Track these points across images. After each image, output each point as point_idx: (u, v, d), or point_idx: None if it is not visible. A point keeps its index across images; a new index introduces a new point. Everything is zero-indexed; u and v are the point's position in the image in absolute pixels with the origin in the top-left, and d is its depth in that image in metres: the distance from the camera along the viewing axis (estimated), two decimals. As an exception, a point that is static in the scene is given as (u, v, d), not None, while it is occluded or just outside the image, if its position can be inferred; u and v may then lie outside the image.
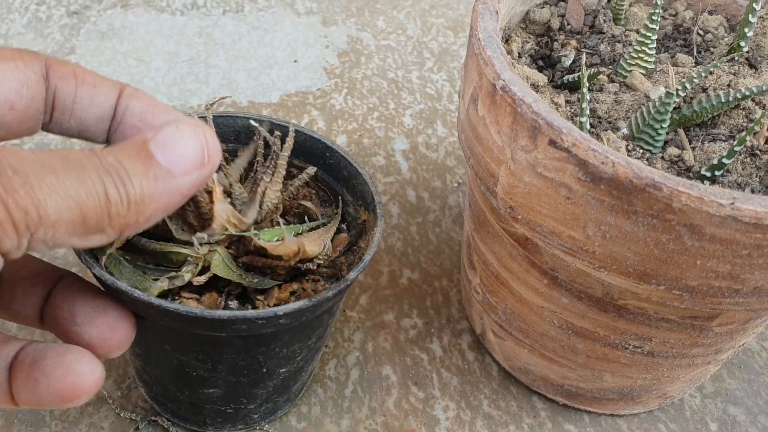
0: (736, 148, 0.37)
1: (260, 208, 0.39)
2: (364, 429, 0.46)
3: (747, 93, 0.40)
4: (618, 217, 0.35)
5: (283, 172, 0.39)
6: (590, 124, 0.42)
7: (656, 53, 0.48)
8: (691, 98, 0.43)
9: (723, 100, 0.40)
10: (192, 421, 0.43)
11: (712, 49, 0.48)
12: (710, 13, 0.50)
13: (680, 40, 0.49)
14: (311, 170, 0.42)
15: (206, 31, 0.75)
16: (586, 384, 0.47)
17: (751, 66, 0.46)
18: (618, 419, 0.49)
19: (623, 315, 0.40)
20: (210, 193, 0.36)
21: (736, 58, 0.46)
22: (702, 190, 0.32)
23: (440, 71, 0.74)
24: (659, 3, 0.42)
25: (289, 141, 0.40)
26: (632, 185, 0.33)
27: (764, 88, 0.40)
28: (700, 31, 0.49)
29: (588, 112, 0.39)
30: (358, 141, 0.65)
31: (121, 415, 0.45)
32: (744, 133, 0.37)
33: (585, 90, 0.38)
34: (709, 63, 0.46)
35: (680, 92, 0.40)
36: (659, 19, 0.43)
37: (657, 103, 0.39)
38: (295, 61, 0.73)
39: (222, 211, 0.36)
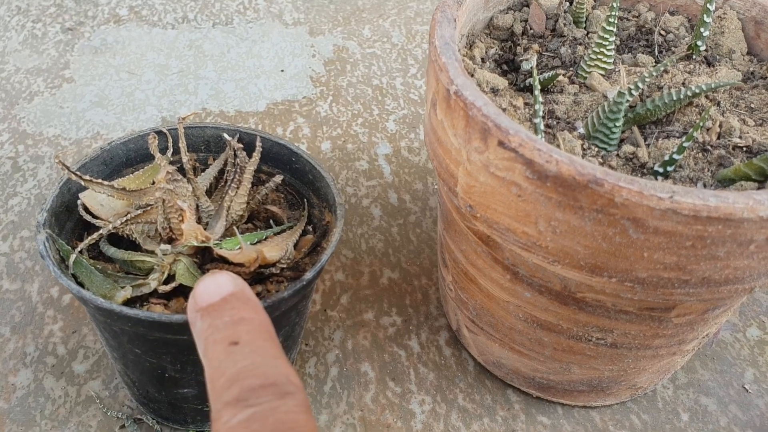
0: (684, 144, 0.38)
1: (226, 220, 0.41)
2: (341, 423, 0.47)
3: (697, 90, 0.41)
4: (566, 213, 0.36)
5: (249, 186, 0.42)
6: (548, 125, 0.43)
7: (620, 54, 0.49)
8: (648, 96, 0.45)
9: (675, 98, 0.42)
10: (173, 419, 0.45)
11: (673, 48, 0.49)
12: (672, 13, 0.51)
13: (643, 40, 0.50)
14: (278, 178, 0.44)
15: (196, 43, 0.77)
16: (556, 376, 0.48)
17: (709, 64, 0.47)
18: (591, 411, 0.50)
19: (583, 308, 0.42)
20: (181, 213, 0.38)
21: (694, 57, 0.47)
22: (642, 185, 0.34)
23: (424, 77, 0.76)
24: (615, 6, 0.44)
25: (255, 156, 0.42)
26: (576, 182, 0.34)
27: (713, 85, 0.41)
28: (662, 32, 0.50)
29: (541, 113, 0.40)
30: (342, 146, 0.67)
31: (109, 414, 0.47)
32: (692, 130, 0.38)
33: (537, 93, 0.40)
34: (670, 59, 0.47)
35: (633, 92, 0.42)
36: (617, 22, 0.44)
37: (610, 103, 0.41)
38: (282, 70, 0.75)
39: (190, 229, 0.38)
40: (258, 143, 0.42)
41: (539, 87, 0.40)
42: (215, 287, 0.28)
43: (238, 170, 0.41)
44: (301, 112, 0.70)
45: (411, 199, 0.63)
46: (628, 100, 0.42)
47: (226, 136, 0.43)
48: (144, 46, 0.76)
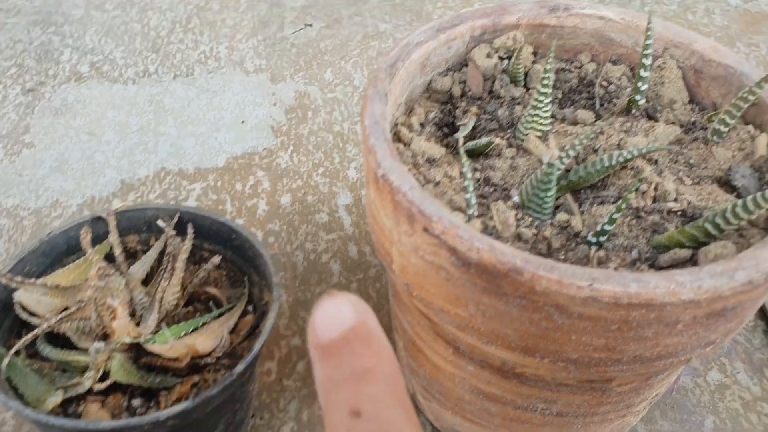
0: (615, 216, 0.38)
1: (159, 312, 0.41)
2: (297, 499, 0.47)
3: (629, 156, 0.41)
4: (492, 298, 0.36)
5: (182, 273, 0.41)
6: (482, 195, 0.43)
7: (561, 108, 0.49)
8: (584, 159, 0.44)
9: (606, 164, 0.41)
10: None
11: (615, 100, 0.49)
12: (614, 62, 0.50)
13: (585, 93, 0.50)
14: (215, 259, 0.44)
15: (157, 98, 0.77)
16: (510, 441, 0.48)
17: (649, 117, 0.47)
18: (551, 470, 0.50)
19: (524, 382, 0.41)
20: (113, 310, 0.38)
21: (633, 112, 0.47)
22: (561, 272, 0.33)
23: (387, 119, 0.76)
24: (549, 68, 0.43)
25: (187, 243, 0.42)
26: (497, 270, 0.34)
27: (644, 150, 0.41)
28: (604, 83, 0.50)
29: (471, 188, 0.40)
30: (302, 199, 0.67)
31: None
32: (621, 202, 0.38)
33: (465, 169, 0.39)
34: (607, 118, 0.47)
35: (564, 159, 0.41)
36: (558, 74, 0.44)
37: (541, 173, 0.40)
38: (243, 121, 0.74)
39: (121, 326, 0.38)
40: (190, 231, 0.42)
41: (467, 163, 0.39)
42: (334, 318, 0.25)
43: (171, 258, 0.41)
44: (261, 165, 0.70)
45: (371, 251, 0.63)
46: (559, 169, 0.42)
47: (160, 222, 0.43)
48: (105, 104, 0.76)
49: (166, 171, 0.69)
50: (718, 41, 0.92)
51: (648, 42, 0.44)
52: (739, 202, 0.37)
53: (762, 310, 0.61)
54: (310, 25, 0.88)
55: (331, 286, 0.60)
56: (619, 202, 0.38)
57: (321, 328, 0.25)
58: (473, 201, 0.40)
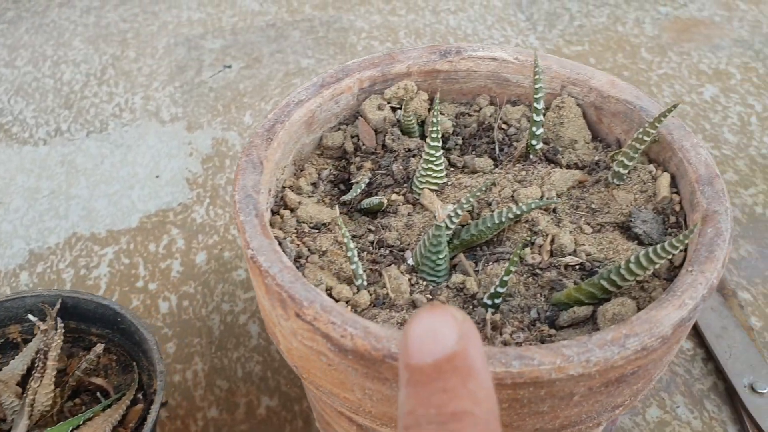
0: (505, 278, 0.36)
1: (29, 418, 0.38)
2: None
3: (518, 212, 0.39)
4: (375, 383, 0.33)
5: (53, 372, 0.38)
6: (375, 260, 0.40)
7: (462, 155, 0.47)
8: (478, 214, 0.42)
9: (497, 221, 0.39)
10: None
11: (515, 143, 0.46)
12: (513, 104, 0.48)
13: (485, 137, 0.47)
14: (98, 349, 0.41)
15: (69, 158, 0.74)
16: None
17: (549, 161, 0.45)
18: None
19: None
20: None
21: (531, 157, 0.45)
22: (439, 356, 0.31)
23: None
24: (436, 121, 0.41)
25: (57, 340, 0.39)
26: (372, 357, 0.32)
27: (533, 205, 0.39)
28: (504, 125, 0.48)
29: (356, 258, 0.37)
30: (219, 256, 0.64)
31: None
32: (508, 264, 0.35)
33: (347, 240, 0.37)
34: (505, 164, 0.45)
35: (454, 219, 0.39)
36: (440, 132, 0.41)
37: (430, 236, 0.38)
38: (157, 176, 0.71)
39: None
40: (59, 326, 0.39)
41: (347, 233, 0.37)
42: (431, 339, 0.21)
43: (42, 356, 0.38)
44: (175, 222, 0.67)
45: (292, 307, 0.60)
46: (449, 229, 0.39)
47: (31, 316, 0.40)
48: (14, 169, 0.73)
49: (77, 236, 0.66)
50: (649, 52, 0.91)
51: (537, 86, 0.42)
52: (633, 258, 0.35)
53: (700, 337, 0.60)
54: (229, 67, 0.85)
55: (250, 350, 0.57)
56: (507, 264, 0.35)
57: (415, 347, 0.22)
58: (360, 271, 0.38)
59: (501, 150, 0.46)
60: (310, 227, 0.41)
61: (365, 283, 0.38)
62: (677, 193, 0.41)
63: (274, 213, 0.42)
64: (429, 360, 0.21)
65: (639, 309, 0.36)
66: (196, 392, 0.55)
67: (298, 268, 0.38)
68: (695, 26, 0.95)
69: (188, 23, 0.94)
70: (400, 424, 0.22)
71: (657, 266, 0.35)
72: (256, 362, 0.56)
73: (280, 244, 0.38)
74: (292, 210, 0.42)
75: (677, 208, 0.41)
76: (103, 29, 0.92)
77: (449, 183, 0.43)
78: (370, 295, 0.38)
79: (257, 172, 0.39)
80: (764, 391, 0.54)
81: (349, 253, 0.37)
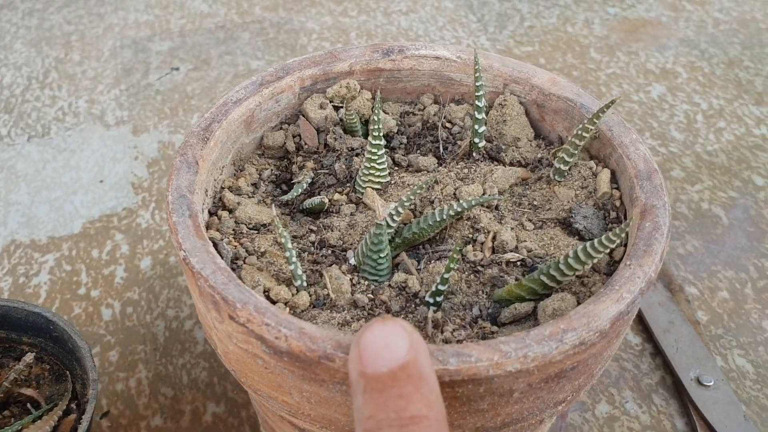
0: (445, 276, 0.35)
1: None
2: None
3: (459, 209, 0.38)
4: (312, 385, 0.33)
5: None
6: (315, 260, 0.40)
7: (406, 155, 0.46)
8: (421, 212, 0.41)
9: (438, 219, 0.39)
10: None
11: (459, 142, 0.46)
12: (457, 102, 0.48)
13: (430, 136, 0.47)
14: (28, 358, 0.40)
15: (8, 164, 0.72)
16: None
17: (493, 158, 0.45)
18: None
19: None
20: None
21: (474, 155, 0.45)
22: (376, 356, 0.30)
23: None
24: (378, 119, 0.40)
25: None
26: (308, 358, 0.31)
27: (473, 202, 0.38)
28: (448, 124, 0.47)
29: (294, 257, 0.37)
30: (164, 261, 0.62)
31: None
32: (448, 262, 0.35)
33: (285, 240, 0.36)
34: (449, 162, 0.45)
35: (395, 217, 0.38)
36: (381, 130, 0.41)
37: (371, 234, 0.38)
38: (101, 181, 0.70)
39: None
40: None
41: (285, 232, 0.36)
42: (384, 348, 0.23)
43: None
44: (119, 227, 0.65)
45: (239, 312, 0.59)
46: (390, 227, 0.39)
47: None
48: (-50, 174, 0.70)
49: (16, 244, 0.64)
50: (598, 52, 0.92)
51: (478, 83, 0.42)
52: (571, 252, 0.35)
53: (648, 332, 0.60)
54: (177, 69, 0.84)
55: (196, 356, 0.56)
56: (448, 262, 0.35)
57: (369, 356, 0.24)
58: (299, 271, 0.37)
59: (445, 149, 0.46)
60: (249, 228, 0.41)
61: (305, 283, 0.38)
62: (618, 188, 0.41)
63: (212, 214, 0.41)
64: (384, 369, 0.23)
65: (579, 304, 0.36)
66: (140, 400, 0.53)
67: (234, 270, 0.37)
68: (643, 26, 0.96)
69: (135, 25, 0.92)
70: (359, 429, 0.24)
71: (596, 260, 0.35)
72: (202, 368, 0.55)
73: (216, 245, 0.38)
74: (230, 211, 0.41)
75: (617, 203, 0.41)
76: (46, 32, 0.90)
77: (392, 182, 0.43)
78: (310, 296, 0.38)
79: (192, 172, 0.38)
80: (710, 384, 0.55)
81: (287, 253, 0.36)
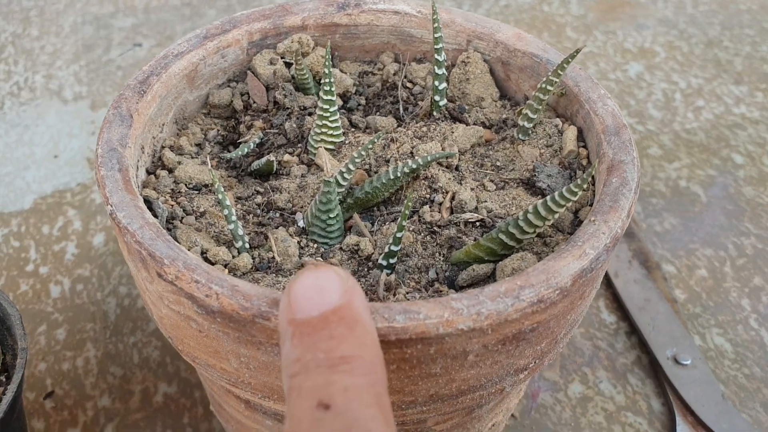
0: (398, 235, 0.33)
1: None
2: None
3: (414, 166, 0.36)
4: (249, 349, 0.30)
5: None
6: (261, 222, 0.37)
7: (365, 116, 0.44)
8: (376, 172, 0.39)
9: (392, 177, 0.36)
10: None
11: (420, 102, 0.44)
12: (419, 61, 0.46)
13: (390, 97, 0.44)
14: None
15: (-42, 138, 0.68)
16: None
17: (455, 119, 0.42)
18: None
19: None
20: None
21: (434, 114, 0.42)
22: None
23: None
24: (329, 72, 0.38)
25: None
26: (242, 317, 0.28)
27: (429, 159, 0.36)
28: (408, 84, 0.45)
29: (234, 217, 0.34)
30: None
31: None
32: (400, 219, 0.32)
33: (221, 196, 0.33)
34: (408, 123, 0.42)
35: (346, 175, 0.36)
36: (333, 84, 0.38)
37: (320, 193, 0.35)
38: (56, 156, 0.67)
39: None
40: None
41: (221, 190, 0.33)
42: (317, 293, 0.22)
43: None
44: (73, 203, 0.62)
45: (196, 290, 0.56)
46: (341, 186, 0.36)
47: None
48: None
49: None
50: (575, 31, 0.89)
51: (437, 35, 0.39)
52: (531, 207, 0.32)
53: (623, 310, 0.58)
54: (140, 45, 0.81)
55: (148, 335, 0.53)
56: (399, 220, 0.32)
57: (299, 302, 0.22)
58: (239, 231, 0.34)
59: (405, 109, 0.43)
60: (189, 188, 0.38)
61: (247, 245, 0.35)
62: (585, 147, 0.39)
63: (150, 174, 0.38)
64: (315, 313, 0.22)
65: (541, 264, 0.33)
66: (87, 380, 0.50)
67: (170, 230, 0.35)
68: (620, 6, 0.94)
69: (98, 2, 0.89)
70: (285, 374, 0.22)
71: (557, 216, 0.32)
72: (155, 347, 0.52)
73: (150, 204, 0.35)
74: (170, 171, 0.38)
75: (584, 162, 0.38)
76: (3, 6, 0.87)
77: (347, 141, 0.40)
78: (254, 258, 0.35)
79: (125, 126, 0.35)
80: (687, 363, 0.52)
81: (225, 212, 0.34)
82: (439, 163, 0.38)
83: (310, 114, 0.42)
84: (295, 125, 0.41)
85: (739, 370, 0.53)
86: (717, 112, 0.76)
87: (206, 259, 0.34)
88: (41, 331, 0.53)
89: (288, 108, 0.42)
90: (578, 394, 0.52)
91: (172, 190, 0.37)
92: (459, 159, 0.39)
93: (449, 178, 0.38)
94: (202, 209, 0.36)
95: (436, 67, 0.40)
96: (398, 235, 0.33)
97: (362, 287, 0.34)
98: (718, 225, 0.64)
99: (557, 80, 0.37)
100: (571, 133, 0.39)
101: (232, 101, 0.42)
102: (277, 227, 0.37)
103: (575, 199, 0.31)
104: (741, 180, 0.68)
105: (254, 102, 0.42)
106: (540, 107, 0.38)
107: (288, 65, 0.43)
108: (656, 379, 0.53)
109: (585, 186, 0.31)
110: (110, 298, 0.55)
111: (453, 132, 0.40)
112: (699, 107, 0.77)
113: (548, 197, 0.31)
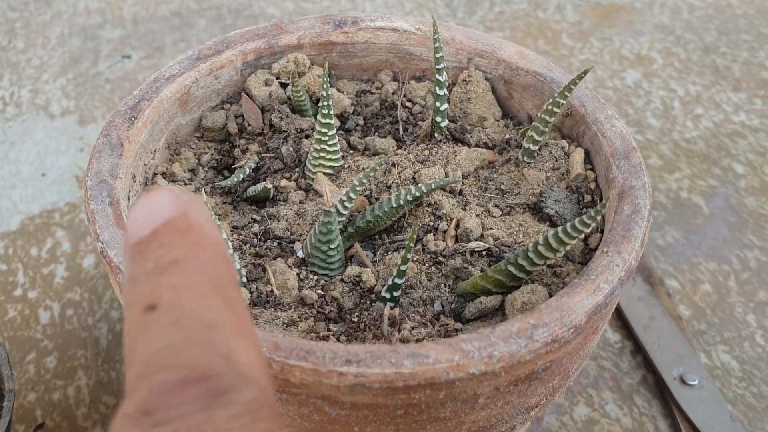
0: (402, 268, 0.31)
1: None
2: None
3: (417, 193, 0.34)
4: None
5: None
6: (258, 253, 0.35)
7: (363, 137, 0.42)
8: (377, 199, 0.37)
9: (394, 205, 0.35)
10: None
11: (420, 122, 0.42)
12: (418, 79, 0.44)
13: (389, 116, 0.43)
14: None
15: (-58, 156, 0.67)
16: None
17: (457, 140, 0.41)
18: None
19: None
20: None
21: (435, 135, 0.41)
22: (318, 359, 0.26)
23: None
24: (327, 94, 0.36)
25: None
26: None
27: (434, 186, 0.34)
28: (408, 103, 0.43)
29: (231, 250, 0.32)
30: (110, 260, 0.58)
31: None
32: (404, 251, 0.31)
33: (219, 230, 0.32)
34: (411, 145, 0.41)
35: (346, 203, 0.34)
36: (331, 107, 0.37)
37: (319, 223, 0.33)
38: (43, 174, 0.65)
39: None
40: None
41: (219, 224, 0.32)
42: (148, 213, 0.21)
43: None
44: (62, 223, 0.61)
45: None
46: (341, 215, 0.35)
47: None
48: None
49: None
50: (571, 38, 0.88)
51: (438, 55, 0.38)
52: (541, 239, 0.31)
53: (628, 328, 0.57)
54: (129, 57, 0.79)
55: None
56: (403, 252, 0.31)
57: (132, 227, 0.21)
58: (236, 266, 0.33)
59: (405, 130, 0.42)
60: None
61: (244, 278, 0.33)
62: (592, 169, 0.38)
63: (142, 203, 0.37)
64: (147, 231, 0.20)
65: (551, 297, 0.32)
66: (79, 410, 0.49)
67: (164, 263, 0.33)
68: (616, 12, 0.93)
69: (85, 12, 0.87)
70: (123, 302, 0.21)
71: (569, 248, 0.31)
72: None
73: (143, 236, 0.33)
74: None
75: (592, 185, 0.37)
76: (-11, 19, 0.85)
77: (346, 166, 0.39)
78: (251, 293, 0.33)
79: (116, 155, 0.34)
80: (694, 383, 0.51)
81: (229, 251, 0.32)
82: (443, 188, 0.37)
83: (307, 137, 0.40)
84: (292, 149, 0.39)
85: (746, 389, 0.52)
86: (716, 120, 0.75)
87: (202, 296, 0.32)
88: (30, 359, 0.51)
89: (284, 131, 0.40)
90: (584, 416, 0.51)
91: (165, 221, 0.35)
92: (462, 183, 0.38)
93: (453, 204, 0.36)
94: (196, 241, 0.35)
95: (437, 88, 0.39)
96: (402, 267, 0.31)
97: (365, 321, 0.33)
98: (721, 237, 0.63)
99: (564, 101, 0.36)
100: (578, 155, 0.38)
101: (226, 124, 0.41)
102: (275, 258, 0.35)
103: (587, 231, 0.30)
104: (742, 190, 0.67)
105: (249, 125, 0.41)
106: (546, 129, 0.37)
107: (284, 86, 0.42)
108: (663, 400, 0.52)
109: (598, 218, 0.29)
110: (102, 323, 0.54)
111: (456, 155, 0.38)
112: (698, 115, 0.76)
113: (559, 229, 0.30)
